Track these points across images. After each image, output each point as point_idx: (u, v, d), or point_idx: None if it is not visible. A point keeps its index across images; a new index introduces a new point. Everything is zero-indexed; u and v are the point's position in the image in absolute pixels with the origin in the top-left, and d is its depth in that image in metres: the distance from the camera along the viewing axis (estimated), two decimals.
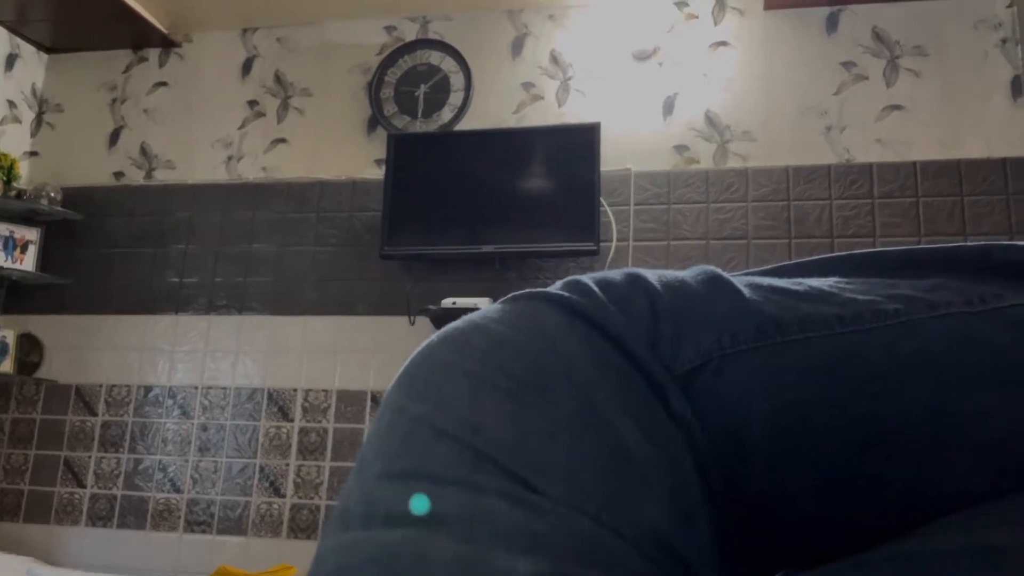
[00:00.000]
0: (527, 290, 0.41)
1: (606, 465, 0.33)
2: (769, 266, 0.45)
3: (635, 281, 0.40)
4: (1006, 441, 0.36)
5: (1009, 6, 2.64)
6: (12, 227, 2.95)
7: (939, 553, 0.32)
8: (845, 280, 0.42)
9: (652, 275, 0.41)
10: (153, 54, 3.26)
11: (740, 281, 0.41)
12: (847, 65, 2.73)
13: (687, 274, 0.42)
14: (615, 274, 0.41)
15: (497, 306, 0.40)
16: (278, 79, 3.13)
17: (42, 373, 2.99)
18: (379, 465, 0.33)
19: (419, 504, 0.30)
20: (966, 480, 0.36)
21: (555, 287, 0.41)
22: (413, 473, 0.32)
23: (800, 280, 0.42)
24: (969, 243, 0.43)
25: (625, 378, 0.36)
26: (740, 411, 0.36)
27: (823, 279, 0.42)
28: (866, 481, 0.36)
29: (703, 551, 0.34)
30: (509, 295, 0.41)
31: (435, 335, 0.40)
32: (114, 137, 3.21)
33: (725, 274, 0.41)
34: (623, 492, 0.32)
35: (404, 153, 2.79)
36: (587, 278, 0.41)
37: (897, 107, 2.67)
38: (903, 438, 0.36)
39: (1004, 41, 2.64)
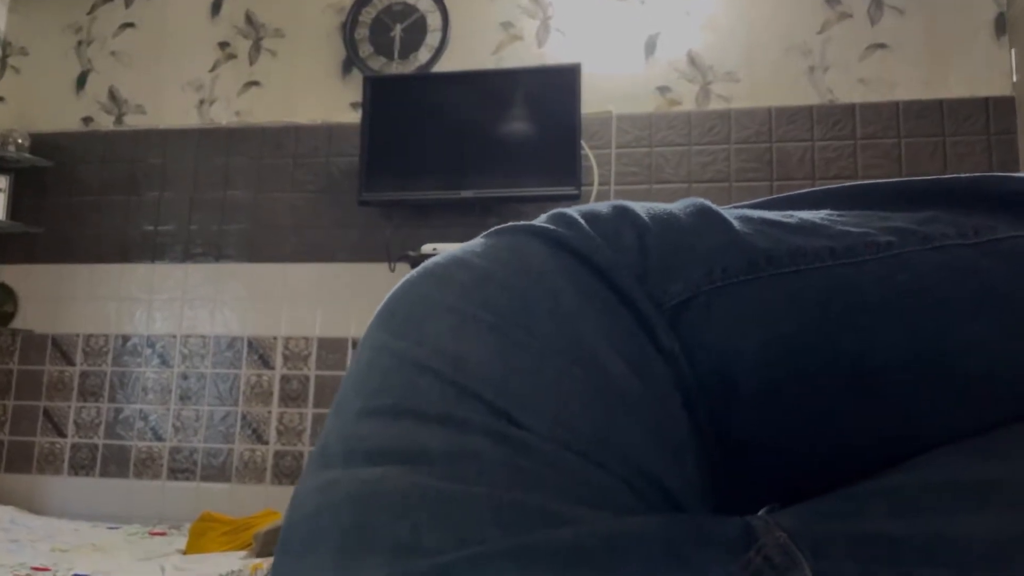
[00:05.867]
0: (511, 223, 0.40)
1: (593, 400, 0.32)
2: (759, 199, 0.44)
3: (623, 213, 0.39)
4: (998, 373, 0.35)
5: None
6: None
7: (929, 486, 0.32)
8: (837, 212, 0.41)
9: (640, 207, 0.40)
10: None
11: (730, 214, 0.40)
12: (831, 2, 2.69)
13: (676, 207, 0.40)
14: (602, 206, 0.40)
15: (480, 240, 0.39)
16: (249, 19, 3.04)
17: (17, 323, 2.95)
18: (359, 402, 0.32)
19: None
20: (956, 413, 0.36)
21: (540, 220, 0.39)
22: (394, 409, 0.31)
23: (791, 212, 0.41)
24: (963, 175, 0.42)
25: (612, 312, 0.35)
26: (729, 345, 0.36)
27: (815, 211, 0.41)
28: (856, 415, 0.36)
29: (690, 486, 0.34)
30: (492, 228, 0.40)
31: (415, 270, 0.38)
32: (81, 81, 3.12)
33: (715, 207, 0.40)
34: (610, 427, 0.32)
35: (381, 96, 2.73)
36: (573, 211, 0.40)
37: (881, 46, 2.64)
38: (895, 371, 0.35)
39: None
